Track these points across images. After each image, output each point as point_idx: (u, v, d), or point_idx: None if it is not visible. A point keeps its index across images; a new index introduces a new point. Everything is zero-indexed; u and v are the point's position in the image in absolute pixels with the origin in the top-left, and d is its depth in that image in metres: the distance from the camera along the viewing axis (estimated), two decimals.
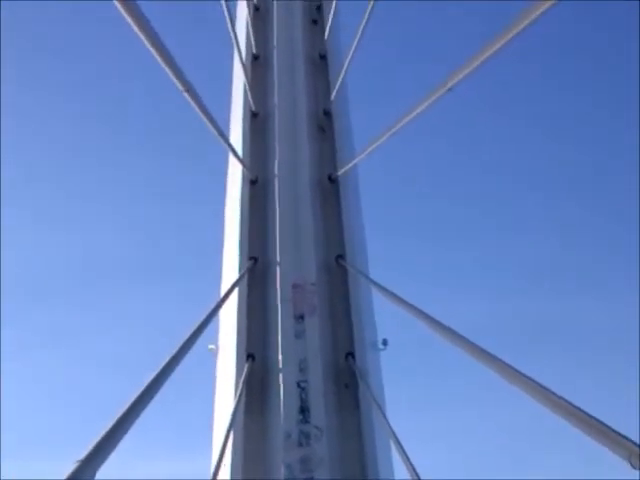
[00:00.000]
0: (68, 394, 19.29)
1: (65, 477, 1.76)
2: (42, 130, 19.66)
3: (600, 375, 19.05)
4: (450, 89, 3.71)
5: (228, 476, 4.12)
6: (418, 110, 4.08)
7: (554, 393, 2.59)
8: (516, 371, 2.70)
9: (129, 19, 2.96)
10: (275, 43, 6.97)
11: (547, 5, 2.58)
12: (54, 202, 20.57)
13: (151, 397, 2.67)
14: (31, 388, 18.53)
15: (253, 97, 6.39)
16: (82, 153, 20.28)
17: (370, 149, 5.06)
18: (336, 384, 4.63)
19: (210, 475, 3.70)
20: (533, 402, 2.73)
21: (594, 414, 2.25)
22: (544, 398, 2.60)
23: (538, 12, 2.80)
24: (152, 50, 3.26)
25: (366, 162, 5.54)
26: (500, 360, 2.92)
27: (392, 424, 4.13)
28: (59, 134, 20.26)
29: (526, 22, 2.90)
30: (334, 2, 6.88)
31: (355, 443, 4.40)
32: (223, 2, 4.85)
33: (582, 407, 2.30)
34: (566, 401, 2.39)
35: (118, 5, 2.79)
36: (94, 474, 1.93)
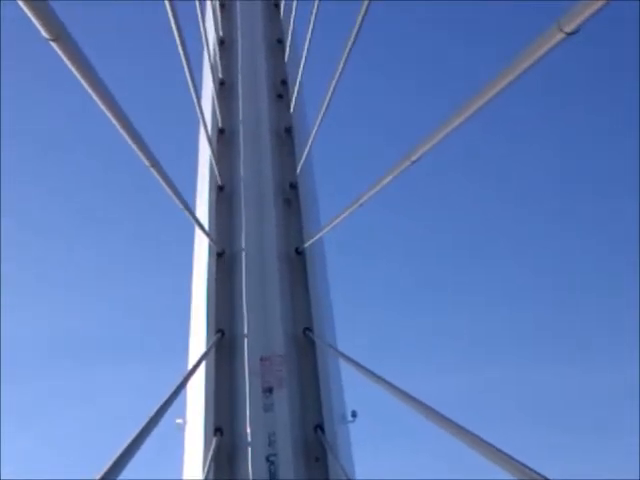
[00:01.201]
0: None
1: None
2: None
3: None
4: (414, 162, 3.75)
5: None
6: (383, 183, 4.09)
7: (522, 463, 2.60)
8: (482, 440, 2.65)
9: (93, 93, 2.99)
10: (241, 117, 7.04)
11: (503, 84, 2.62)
12: (21, 280, 20.46)
13: (118, 474, 2.64)
14: None
15: (219, 170, 6.43)
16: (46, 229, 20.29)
17: (336, 222, 5.09)
18: (306, 457, 4.60)
19: None
20: (495, 466, 2.75)
21: None
22: (505, 463, 2.63)
23: (497, 89, 2.87)
24: (118, 125, 3.28)
25: (331, 233, 5.56)
26: (466, 429, 2.93)
27: None
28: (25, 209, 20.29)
29: (488, 96, 2.96)
30: (299, 76, 6.96)
31: None
32: (188, 76, 4.90)
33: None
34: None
35: (80, 78, 2.82)
36: None
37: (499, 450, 2.48)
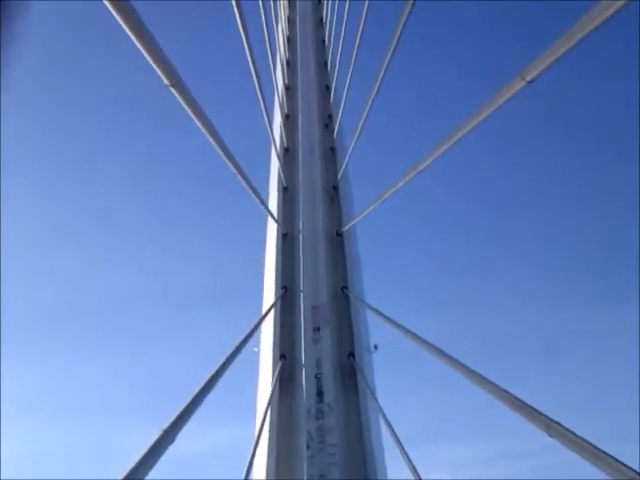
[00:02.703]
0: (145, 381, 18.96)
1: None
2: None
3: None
4: (420, 171, 3.73)
5: (266, 440, 4.16)
6: (399, 184, 4.10)
7: (497, 385, 2.59)
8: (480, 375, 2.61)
9: (204, 130, 3.01)
10: (300, 141, 7.06)
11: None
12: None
13: (213, 385, 2.73)
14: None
15: (285, 176, 6.48)
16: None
17: (364, 213, 5.13)
18: (341, 375, 4.66)
19: (254, 439, 3.75)
20: (472, 385, 2.72)
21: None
22: (483, 384, 2.62)
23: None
24: (219, 151, 3.33)
25: (362, 221, 5.59)
26: (466, 366, 2.94)
27: (381, 404, 4.17)
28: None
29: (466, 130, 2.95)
30: (340, 110, 6.95)
31: (355, 417, 4.43)
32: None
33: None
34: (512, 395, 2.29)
35: (194, 118, 2.83)
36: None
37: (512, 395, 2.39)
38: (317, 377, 4.52)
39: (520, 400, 2.34)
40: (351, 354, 4.81)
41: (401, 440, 3.50)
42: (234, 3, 3.50)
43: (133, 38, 2.01)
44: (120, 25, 1.93)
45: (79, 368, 18.44)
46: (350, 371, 4.70)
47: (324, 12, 9.68)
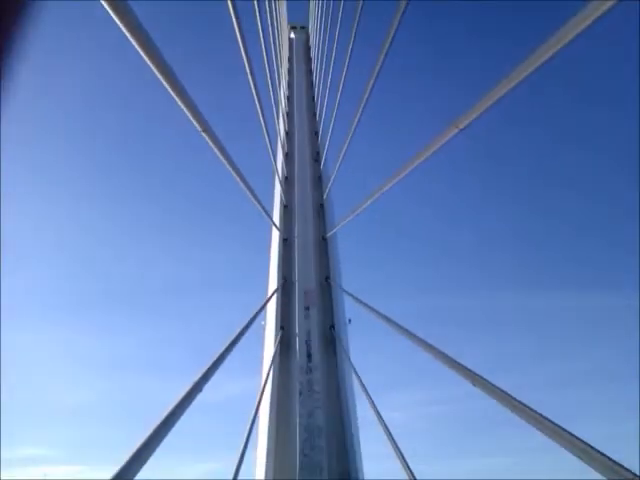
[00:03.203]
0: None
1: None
2: None
3: None
4: (382, 192, 3.72)
5: (269, 389, 4.20)
6: (367, 202, 4.09)
7: (437, 348, 2.60)
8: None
9: (232, 172, 3.02)
10: (296, 172, 7.10)
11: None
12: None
13: (232, 349, 2.77)
14: None
15: (285, 197, 6.52)
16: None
17: (342, 224, 5.18)
18: (325, 342, 4.71)
19: (260, 389, 3.79)
20: (419, 348, 2.71)
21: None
22: (428, 348, 2.64)
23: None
24: (245, 190, 3.35)
25: (342, 229, 5.61)
26: (413, 333, 2.96)
27: (353, 362, 4.22)
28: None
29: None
30: (326, 145, 6.97)
31: (334, 373, 4.48)
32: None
33: None
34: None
35: (223, 161, 2.83)
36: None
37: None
38: (307, 343, 4.58)
39: (452, 358, 2.39)
40: (332, 326, 4.86)
41: (368, 390, 3.55)
42: (246, 63, 3.54)
43: (173, 94, 2.03)
44: (165, 88, 1.96)
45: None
46: (331, 339, 4.76)
47: (313, 70, 9.80)
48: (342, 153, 5.15)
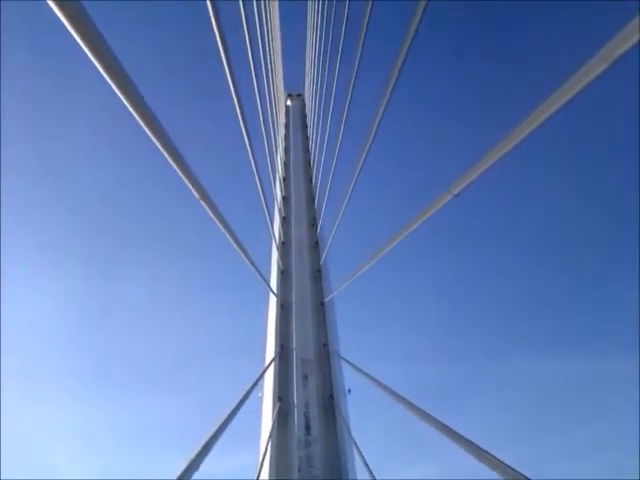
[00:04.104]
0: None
1: None
2: None
3: None
4: (377, 260, 3.72)
5: (267, 462, 4.01)
6: (364, 268, 4.10)
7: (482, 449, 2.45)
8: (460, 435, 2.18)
9: (231, 240, 3.02)
10: (293, 238, 7.13)
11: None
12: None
13: (228, 423, 2.65)
14: None
15: (282, 262, 6.50)
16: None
17: (340, 289, 5.13)
18: (324, 413, 4.54)
19: (258, 464, 3.62)
20: (416, 418, 2.60)
21: None
22: (425, 417, 2.54)
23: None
24: (244, 259, 3.35)
25: (338, 295, 5.57)
26: (412, 403, 2.87)
27: (354, 436, 4.05)
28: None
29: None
30: (322, 212, 7.02)
31: (334, 446, 4.29)
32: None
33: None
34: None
35: (222, 229, 2.83)
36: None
37: (478, 447, 2.03)
38: (305, 415, 4.41)
39: (456, 432, 2.28)
40: (331, 396, 4.71)
41: (370, 465, 3.39)
42: (243, 132, 3.61)
43: (171, 162, 2.03)
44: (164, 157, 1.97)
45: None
46: (330, 409, 4.59)
47: (309, 133, 10.06)
48: (339, 217, 5.19)
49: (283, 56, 12.77)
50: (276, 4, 10.49)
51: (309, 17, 10.38)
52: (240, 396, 3.13)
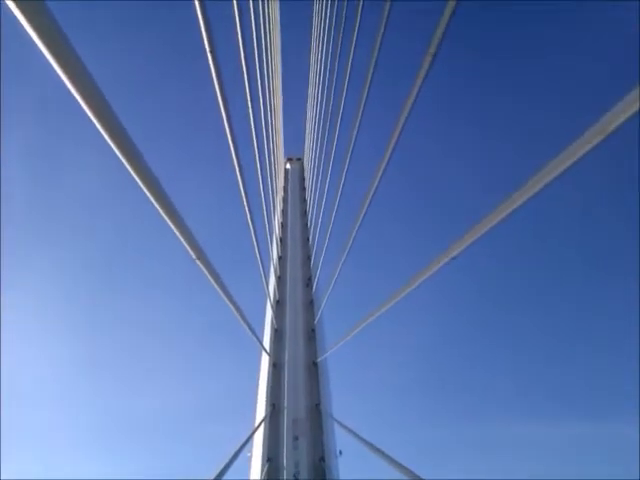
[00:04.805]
0: None
1: None
2: None
3: None
4: (369, 322, 3.77)
5: None
6: (358, 329, 4.14)
7: None
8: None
9: (228, 303, 3.08)
10: (288, 296, 7.19)
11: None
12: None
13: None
14: None
15: (276, 321, 6.53)
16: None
17: (334, 349, 5.16)
18: (314, 475, 4.47)
19: None
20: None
21: None
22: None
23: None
24: (238, 317, 3.41)
25: (332, 355, 5.58)
26: (405, 466, 2.85)
27: None
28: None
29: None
30: (318, 271, 7.12)
31: None
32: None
33: None
34: None
35: (217, 288, 2.90)
36: None
37: None
38: (295, 477, 4.34)
39: None
40: (322, 458, 4.64)
41: None
42: (240, 183, 3.76)
43: (169, 222, 2.13)
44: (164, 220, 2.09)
45: None
46: (321, 472, 4.52)
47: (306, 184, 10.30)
48: (334, 278, 5.29)
49: (284, 121, 13.27)
50: (279, 70, 11.02)
51: (310, 86, 10.86)
52: (228, 456, 3.13)
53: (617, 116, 1.36)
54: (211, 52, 2.49)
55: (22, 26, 1.08)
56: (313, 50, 9.24)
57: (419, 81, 2.38)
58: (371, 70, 3.19)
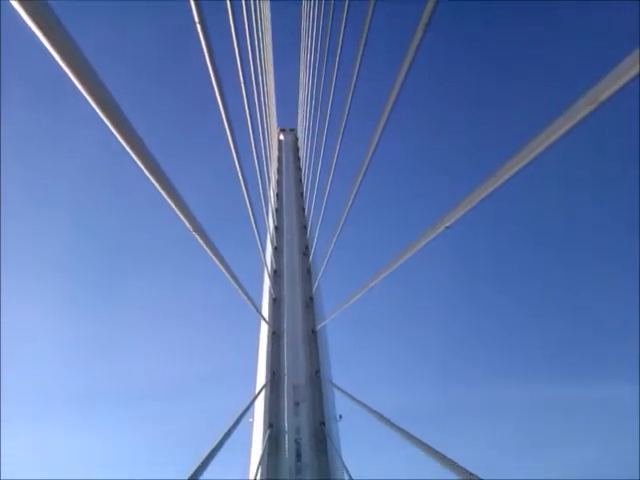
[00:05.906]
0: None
1: None
2: None
3: None
4: (370, 287, 3.78)
5: None
6: (355, 297, 4.17)
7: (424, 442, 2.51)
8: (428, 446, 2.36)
9: (223, 270, 3.08)
10: (285, 265, 7.21)
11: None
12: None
13: (217, 451, 2.67)
14: None
15: (274, 290, 6.56)
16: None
17: (332, 316, 5.20)
18: (315, 440, 4.56)
19: None
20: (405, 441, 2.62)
21: None
22: (414, 441, 2.56)
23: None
24: (237, 290, 3.41)
25: (331, 322, 5.62)
26: (401, 427, 2.90)
27: (345, 462, 4.07)
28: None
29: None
30: (315, 240, 7.11)
31: (325, 473, 4.29)
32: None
33: None
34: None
35: (214, 258, 2.90)
36: None
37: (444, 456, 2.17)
38: (297, 441, 4.43)
39: (451, 459, 2.30)
40: (322, 423, 4.73)
41: None
42: (235, 160, 3.73)
43: (164, 194, 2.11)
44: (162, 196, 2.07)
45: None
46: (322, 436, 4.61)
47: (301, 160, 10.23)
48: (331, 245, 5.29)
49: (276, 92, 13.05)
50: (269, 40, 10.78)
51: (302, 53, 10.65)
52: (231, 422, 3.18)
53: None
54: (200, 23, 2.42)
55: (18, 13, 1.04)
56: (304, 13, 9.00)
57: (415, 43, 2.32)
58: (365, 32, 3.12)
